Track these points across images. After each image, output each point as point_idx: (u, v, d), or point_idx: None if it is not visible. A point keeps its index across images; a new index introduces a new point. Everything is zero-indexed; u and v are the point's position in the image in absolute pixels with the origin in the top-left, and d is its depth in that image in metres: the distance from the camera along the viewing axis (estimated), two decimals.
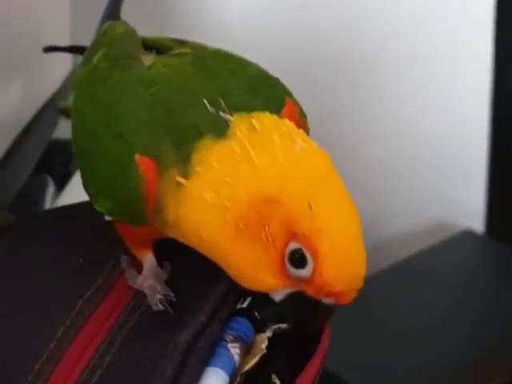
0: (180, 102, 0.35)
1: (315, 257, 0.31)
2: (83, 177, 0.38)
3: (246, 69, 0.39)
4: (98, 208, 0.37)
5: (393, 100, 1.11)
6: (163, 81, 0.37)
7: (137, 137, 0.34)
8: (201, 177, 0.33)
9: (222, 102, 0.34)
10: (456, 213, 1.16)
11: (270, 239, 0.32)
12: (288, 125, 0.34)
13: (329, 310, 0.34)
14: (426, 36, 1.07)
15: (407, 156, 1.14)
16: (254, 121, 0.33)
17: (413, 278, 1.05)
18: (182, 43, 0.41)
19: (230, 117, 0.34)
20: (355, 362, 0.90)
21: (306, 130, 0.37)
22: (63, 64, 0.67)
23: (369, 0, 1.05)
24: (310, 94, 1.06)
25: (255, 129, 0.33)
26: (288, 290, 0.33)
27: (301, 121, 0.37)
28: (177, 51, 0.40)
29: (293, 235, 0.31)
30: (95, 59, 0.40)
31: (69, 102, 0.44)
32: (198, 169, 0.33)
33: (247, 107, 0.34)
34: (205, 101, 0.34)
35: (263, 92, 0.37)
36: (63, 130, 0.67)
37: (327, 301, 0.33)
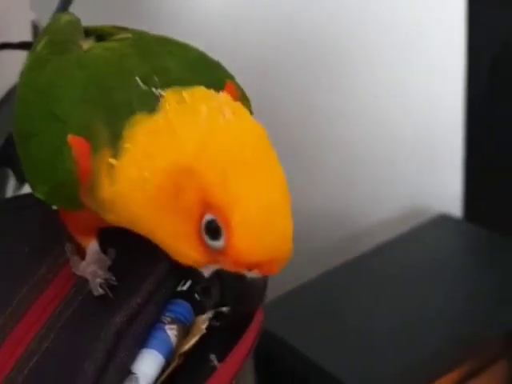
0: (114, 81, 0.35)
1: (227, 228, 0.31)
2: (23, 163, 0.38)
3: (186, 51, 0.39)
4: (36, 194, 0.37)
5: (373, 89, 1.12)
6: (99, 62, 0.37)
7: (70, 117, 0.34)
8: (129, 153, 0.33)
9: (157, 79, 0.34)
10: (434, 198, 1.16)
11: (186, 210, 0.31)
12: (222, 97, 0.34)
13: (259, 287, 0.33)
14: (402, 37, 1.08)
15: (385, 143, 1.15)
16: (184, 94, 0.33)
17: (392, 262, 1.05)
18: (125, 30, 0.41)
19: (162, 92, 0.34)
20: (327, 349, 0.90)
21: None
22: (22, 55, 0.67)
23: (352, 3, 1.06)
24: (293, 85, 1.07)
25: (185, 101, 0.33)
26: (213, 266, 0.33)
27: (241, 103, 0.37)
28: (118, 36, 0.40)
29: (208, 206, 0.31)
30: (39, 47, 0.40)
31: None
32: (127, 145, 0.33)
33: (185, 85, 0.34)
34: (137, 78, 0.34)
35: (203, 73, 0.37)
36: None
37: (251, 274, 0.32)
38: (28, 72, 0.39)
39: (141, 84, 0.34)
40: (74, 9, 0.84)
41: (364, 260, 1.06)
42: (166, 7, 0.99)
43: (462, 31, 1.09)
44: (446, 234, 1.12)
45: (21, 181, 0.64)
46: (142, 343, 0.33)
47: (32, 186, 0.37)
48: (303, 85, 1.07)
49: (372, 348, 0.90)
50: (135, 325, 0.33)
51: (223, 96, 0.34)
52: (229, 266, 0.32)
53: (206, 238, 0.32)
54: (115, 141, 0.33)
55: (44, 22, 0.58)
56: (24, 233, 0.42)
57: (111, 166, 0.33)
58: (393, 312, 0.96)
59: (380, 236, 1.10)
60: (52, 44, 0.40)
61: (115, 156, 0.33)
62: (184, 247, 0.32)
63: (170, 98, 0.33)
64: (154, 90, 0.34)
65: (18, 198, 0.46)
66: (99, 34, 0.41)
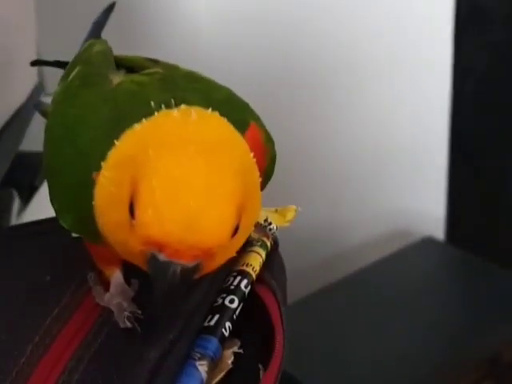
0: (134, 114, 0.35)
1: (135, 202, 0.30)
2: (50, 193, 0.38)
3: (214, 90, 0.39)
4: (62, 223, 0.37)
5: (356, 110, 1.13)
6: (125, 98, 0.37)
7: (95, 154, 0.34)
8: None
9: (173, 104, 0.34)
10: (417, 221, 1.18)
11: (123, 198, 0.31)
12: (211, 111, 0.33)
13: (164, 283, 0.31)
14: (390, 48, 1.09)
15: (370, 165, 1.16)
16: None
17: (376, 284, 1.07)
18: (156, 62, 0.42)
19: None
20: (315, 368, 0.90)
21: (269, 156, 0.38)
22: (29, 78, 0.67)
23: (341, 11, 1.07)
24: (279, 108, 1.08)
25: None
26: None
27: (264, 146, 0.37)
28: (148, 70, 0.40)
29: (132, 188, 0.31)
30: (71, 77, 0.41)
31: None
32: None
33: None
34: (152, 102, 0.34)
35: (227, 113, 0.36)
36: (29, 143, 0.67)
37: (162, 258, 0.30)
38: (58, 103, 0.40)
39: (153, 106, 0.34)
40: (74, 8, 0.84)
41: (348, 281, 1.07)
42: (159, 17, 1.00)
43: (449, 50, 1.11)
44: (429, 256, 1.14)
45: (25, 201, 0.64)
46: (174, 380, 0.33)
47: (57, 214, 0.37)
48: (288, 108, 1.08)
49: (354, 369, 0.91)
50: (168, 361, 0.34)
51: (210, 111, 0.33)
52: (139, 245, 0.31)
53: (130, 219, 0.31)
54: None
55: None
56: (44, 259, 0.43)
57: None
58: (376, 335, 0.97)
59: (363, 258, 1.11)
60: (83, 76, 0.40)
61: None
62: (123, 235, 0.31)
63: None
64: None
65: (36, 223, 0.46)
66: (130, 66, 0.42)
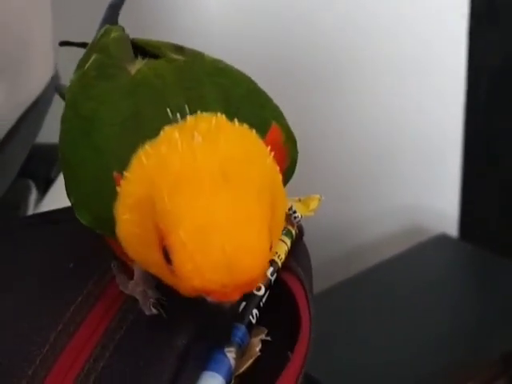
0: (150, 114, 0.34)
1: (171, 252, 0.30)
2: (66, 186, 0.37)
3: (235, 85, 0.37)
4: (79, 219, 0.36)
5: (369, 106, 1.13)
6: (144, 94, 0.36)
7: (111, 152, 0.34)
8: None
9: (187, 111, 0.33)
10: (431, 218, 1.18)
11: (152, 241, 0.31)
12: (217, 120, 0.32)
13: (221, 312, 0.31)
14: (403, 45, 1.09)
15: (383, 163, 1.16)
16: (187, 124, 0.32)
17: (389, 281, 1.06)
18: (181, 49, 0.40)
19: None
20: (329, 367, 0.90)
21: (290, 157, 0.36)
22: (46, 67, 0.67)
23: (354, 9, 1.06)
24: (287, 102, 1.07)
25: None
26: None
27: (284, 147, 0.36)
28: (168, 57, 0.39)
29: (160, 232, 0.30)
30: (87, 65, 0.40)
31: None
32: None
33: None
34: (168, 110, 0.33)
35: (247, 110, 0.35)
36: (45, 134, 0.67)
37: (211, 300, 0.30)
38: (74, 93, 0.39)
39: (170, 115, 0.33)
40: (74, 5, 0.84)
41: (362, 277, 1.07)
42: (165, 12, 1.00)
43: (464, 45, 1.10)
44: (443, 253, 1.13)
45: (42, 193, 0.64)
46: (203, 366, 0.33)
47: (75, 210, 0.36)
48: (297, 102, 1.07)
49: (368, 368, 0.91)
50: (196, 347, 0.33)
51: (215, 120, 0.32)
52: (185, 291, 0.31)
53: (168, 265, 0.30)
54: None
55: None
56: (66, 247, 0.42)
57: None
58: (389, 333, 0.96)
59: (376, 255, 1.11)
60: (100, 66, 0.39)
61: None
62: (170, 279, 0.31)
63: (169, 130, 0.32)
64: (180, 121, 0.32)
65: (57, 212, 0.46)
66: (152, 52, 0.40)
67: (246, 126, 0.32)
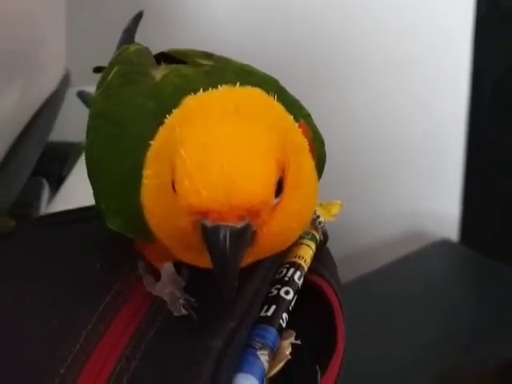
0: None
1: (173, 174, 0.30)
2: (95, 196, 0.37)
3: (263, 86, 0.37)
4: (109, 225, 0.36)
5: (371, 110, 1.13)
6: (169, 90, 0.36)
7: (140, 152, 0.33)
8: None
9: None
10: (432, 222, 1.18)
11: (169, 182, 0.30)
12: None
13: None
14: (407, 49, 1.09)
15: (385, 166, 1.16)
16: None
17: (390, 285, 1.06)
18: (209, 56, 0.41)
19: None
20: None
21: (317, 155, 0.37)
22: (58, 67, 0.67)
23: (360, 13, 1.06)
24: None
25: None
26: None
27: (313, 144, 0.36)
28: (195, 63, 0.40)
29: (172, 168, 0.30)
30: (109, 77, 0.40)
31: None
32: None
33: None
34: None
35: None
36: (57, 133, 0.67)
37: (209, 224, 0.30)
38: (100, 103, 0.40)
39: None
40: (76, 7, 0.84)
41: (362, 281, 1.07)
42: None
43: (468, 54, 1.11)
44: (444, 258, 1.13)
45: (55, 190, 0.64)
46: (237, 368, 0.33)
47: (106, 218, 0.36)
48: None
49: (366, 371, 0.90)
50: (231, 349, 0.33)
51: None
52: (185, 218, 0.30)
53: (174, 195, 0.30)
54: None
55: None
56: (92, 246, 0.42)
57: None
58: (389, 337, 0.96)
59: (376, 260, 1.11)
60: (123, 74, 0.40)
61: None
62: (172, 217, 0.31)
63: None
64: None
65: (81, 210, 0.46)
66: (181, 60, 0.41)
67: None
